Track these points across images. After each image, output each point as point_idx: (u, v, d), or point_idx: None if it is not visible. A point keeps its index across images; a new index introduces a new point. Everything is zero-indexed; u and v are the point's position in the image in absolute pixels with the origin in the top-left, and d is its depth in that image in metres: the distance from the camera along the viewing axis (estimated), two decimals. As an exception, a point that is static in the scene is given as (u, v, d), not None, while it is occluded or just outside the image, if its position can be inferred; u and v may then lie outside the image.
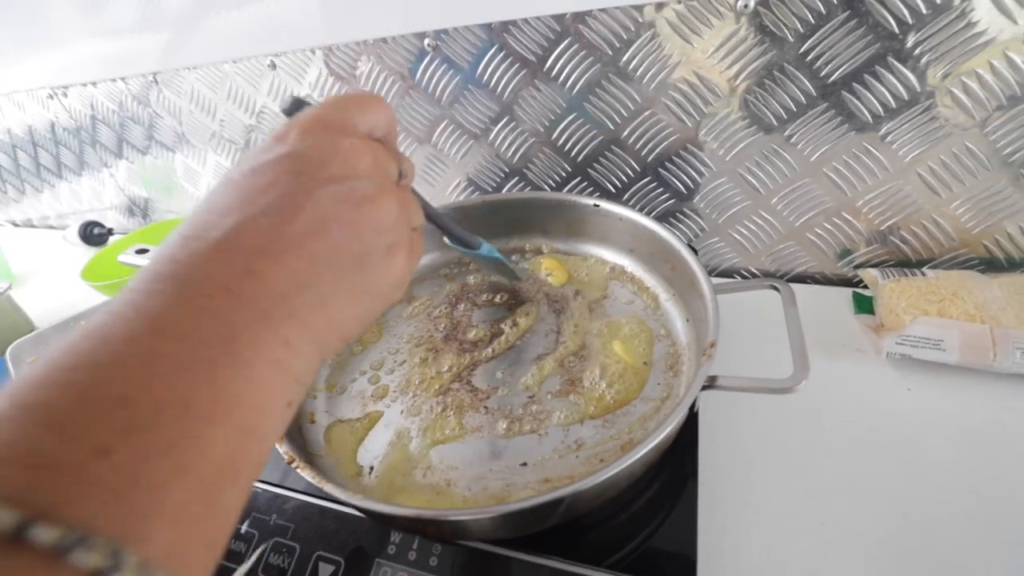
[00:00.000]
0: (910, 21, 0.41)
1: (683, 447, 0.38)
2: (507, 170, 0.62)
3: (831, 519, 0.35)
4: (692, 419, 0.39)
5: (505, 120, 0.58)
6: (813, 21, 0.43)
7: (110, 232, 0.93)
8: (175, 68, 0.69)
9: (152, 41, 0.67)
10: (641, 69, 0.50)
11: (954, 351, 0.42)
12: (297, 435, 0.38)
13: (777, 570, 0.33)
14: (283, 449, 0.32)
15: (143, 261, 0.52)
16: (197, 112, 0.73)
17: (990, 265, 0.49)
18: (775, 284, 0.38)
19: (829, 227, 0.52)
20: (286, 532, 0.36)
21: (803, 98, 0.46)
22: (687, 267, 0.41)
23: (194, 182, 0.82)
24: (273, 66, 0.63)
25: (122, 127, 0.80)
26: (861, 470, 0.38)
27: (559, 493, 0.28)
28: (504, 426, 0.38)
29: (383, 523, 0.35)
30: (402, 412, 0.41)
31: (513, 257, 0.55)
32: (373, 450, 0.39)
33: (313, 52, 0.60)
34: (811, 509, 0.36)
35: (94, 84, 0.77)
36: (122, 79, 0.74)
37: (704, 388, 0.31)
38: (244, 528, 0.37)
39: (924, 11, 0.40)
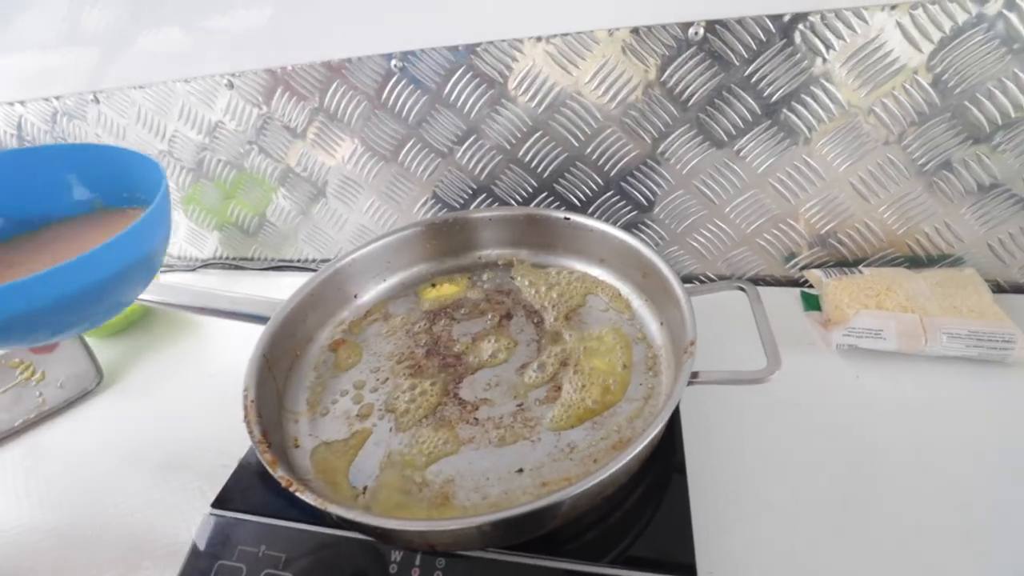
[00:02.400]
0: (837, 47, 0.46)
1: (668, 442, 0.40)
2: (474, 187, 0.64)
3: (803, 498, 0.38)
4: (674, 415, 0.42)
5: (472, 139, 0.60)
6: (755, 47, 0.48)
7: (39, 261, 0.85)
8: (119, 87, 0.66)
9: (92, 59, 0.64)
10: (601, 90, 0.53)
11: (892, 339, 0.46)
12: (283, 460, 0.37)
13: (761, 548, 0.35)
14: (279, 474, 0.31)
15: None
16: (143, 131, 0.69)
17: (914, 262, 0.55)
18: (742, 285, 0.41)
19: (776, 232, 0.57)
20: (277, 563, 0.35)
21: (749, 116, 0.51)
22: (659, 273, 0.44)
23: (138, 205, 0.78)
24: (231, 85, 0.62)
25: (55, 149, 0.75)
26: (824, 452, 0.41)
27: (563, 494, 0.29)
28: (496, 435, 0.39)
29: (384, 542, 0.34)
30: (391, 429, 0.41)
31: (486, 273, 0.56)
32: (365, 470, 0.38)
33: (276, 72, 0.59)
34: (785, 491, 0.39)
35: (22, 103, 0.71)
36: (56, 98, 0.69)
37: (688, 383, 0.34)
38: (231, 563, 0.35)
39: (847, 40, 0.46)
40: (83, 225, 0.41)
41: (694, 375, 0.34)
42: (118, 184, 0.41)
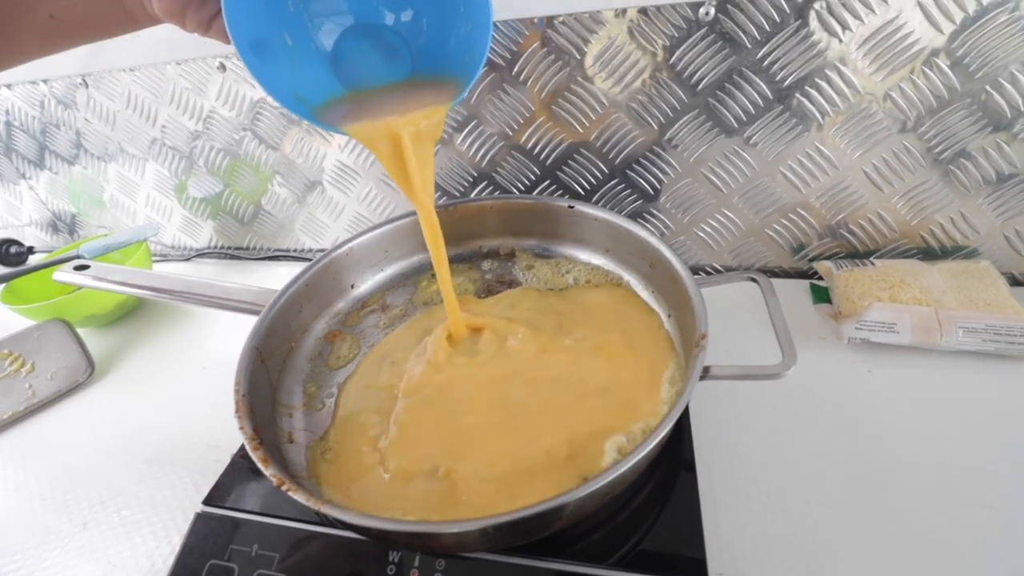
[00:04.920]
0: (853, 28, 0.44)
1: (677, 438, 0.38)
2: (475, 174, 0.62)
3: (814, 497, 0.37)
4: (683, 410, 0.40)
5: (473, 124, 0.58)
6: (768, 28, 0.46)
7: (30, 251, 0.84)
8: (108, 69, 0.63)
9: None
10: (607, 74, 0.51)
11: (907, 333, 0.45)
12: (277, 456, 0.36)
13: (773, 546, 0.34)
14: (270, 472, 0.30)
15: (84, 280, 0.47)
16: (134, 117, 0.67)
17: (927, 254, 0.54)
18: (754, 276, 0.40)
19: (786, 223, 0.56)
20: (270, 563, 0.34)
21: (760, 101, 0.49)
22: (667, 264, 0.42)
23: (131, 194, 0.76)
24: (223, 68, 0.60)
25: (44, 134, 0.73)
26: (836, 448, 0.40)
27: (569, 496, 0.27)
28: (498, 431, 0.38)
29: (381, 541, 0.33)
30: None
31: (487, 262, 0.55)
32: (361, 467, 0.37)
33: (268, 54, 0.57)
34: (796, 489, 0.38)
35: (9, 87, 0.69)
36: (44, 81, 0.67)
37: (700, 379, 0.32)
38: (223, 562, 0.34)
39: (865, 21, 0.44)
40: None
41: (706, 370, 0.33)
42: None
